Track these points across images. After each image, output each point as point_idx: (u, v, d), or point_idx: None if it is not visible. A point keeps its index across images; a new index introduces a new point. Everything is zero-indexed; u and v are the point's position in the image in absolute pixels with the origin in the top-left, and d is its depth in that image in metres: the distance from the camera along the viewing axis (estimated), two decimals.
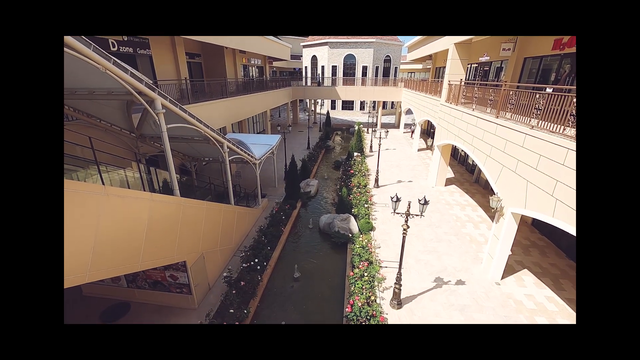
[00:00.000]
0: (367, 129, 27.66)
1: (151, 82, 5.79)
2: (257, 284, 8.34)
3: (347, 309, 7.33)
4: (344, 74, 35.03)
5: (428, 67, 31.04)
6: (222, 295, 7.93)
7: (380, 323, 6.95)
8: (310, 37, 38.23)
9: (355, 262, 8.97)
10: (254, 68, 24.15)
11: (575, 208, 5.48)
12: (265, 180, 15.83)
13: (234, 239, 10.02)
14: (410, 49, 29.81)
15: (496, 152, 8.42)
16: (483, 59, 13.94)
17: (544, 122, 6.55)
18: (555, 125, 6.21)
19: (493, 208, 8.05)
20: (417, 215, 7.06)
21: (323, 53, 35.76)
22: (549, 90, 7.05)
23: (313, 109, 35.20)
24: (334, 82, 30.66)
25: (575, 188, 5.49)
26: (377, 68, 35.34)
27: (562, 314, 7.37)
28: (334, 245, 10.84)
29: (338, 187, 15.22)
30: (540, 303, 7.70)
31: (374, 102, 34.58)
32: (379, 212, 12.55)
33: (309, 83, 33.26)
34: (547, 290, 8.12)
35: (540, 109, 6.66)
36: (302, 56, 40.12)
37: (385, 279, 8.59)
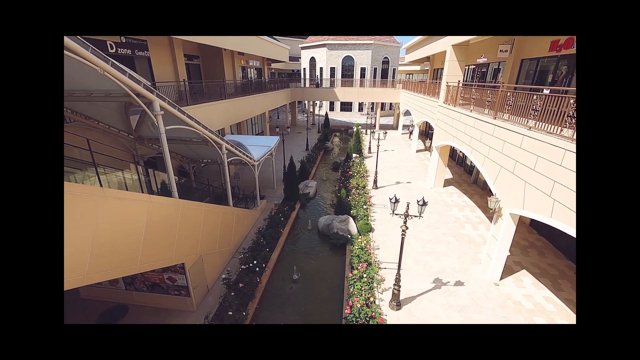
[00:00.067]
0: (366, 131, 27.72)
1: (149, 83, 5.78)
2: (256, 285, 8.31)
3: (346, 311, 7.31)
4: (343, 76, 35.10)
5: (426, 68, 31.21)
6: (220, 297, 7.90)
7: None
8: (308, 38, 38.33)
9: (354, 264, 8.96)
10: (252, 70, 24.16)
11: (572, 208, 5.51)
12: (264, 181, 15.82)
13: (232, 241, 10.00)
14: (408, 51, 29.91)
15: (494, 153, 8.45)
16: (480, 61, 14.01)
17: (541, 123, 6.59)
18: (553, 126, 6.25)
19: (491, 209, 8.07)
20: (415, 216, 7.06)
21: (321, 55, 35.84)
22: (546, 91, 7.09)
23: (312, 110, 35.24)
24: (332, 84, 30.73)
25: (572, 189, 5.52)
26: (375, 69, 35.44)
27: (561, 314, 7.38)
28: (333, 247, 10.83)
29: (337, 189, 15.23)
30: (538, 303, 7.71)
31: (373, 103, 34.66)
32: (377, 214, 12.56)
33: (307, 84, 33.32)
34: (546, 291, 8.14)
35: (538, 110, 6.69)
36: (300, 58, 40.19)
37: (384, 280, 8.58)
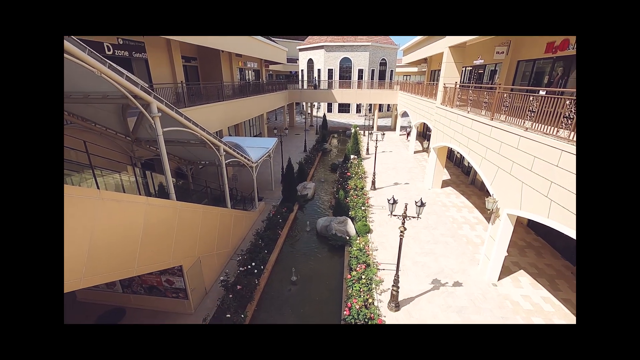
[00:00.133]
0: (364, 132, 27.78)
1: (147, 85, 5.78)
2: (255, 287, 8.28)
3: (344, 312, 7.30)
4: (340, 77, 35.18)
5: (423, 70, 31.30)
6: (218, 299, 7.87)
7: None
8: (306, 40, 38.42)
9: (353, 265, 8.96)
10: (250, 71, 24.18)
11: (569, 209, 5.55)
12: (262, 183, 15.80)
13: (230, 243, 9.97)
14: (406, 53, 30.03)
15: (491, 154, 8.50)
16: (477, 62, 14.11)
17: (537, 124, 6.63)
18: (549, 127, 6.30)
19: (489, 209, 8.11)
20: (414, 217, 7.08)
21: (319, 56, 35.91)
22: (542, 92, 7.15)
23: (309, 112, 35.28)
24: (330, 85, 30.77)
25: (569, 189, 5.56)
26: (373, 71, 35.56)
27: (559, 314, 7.41)
28: (332, 248, 10.82)
29: (335, 190, 15.23)
30: (536, 304, 7.74)
31: (370, 104, 34.74)
32: (376, 215, 12.57)
33: (305, 86, 33.37)
34: (543, 291, 8.17)
35: (534, 111, 6.74)
36: (298, 60, 40.27)
37: (383, 281, 8.58)
